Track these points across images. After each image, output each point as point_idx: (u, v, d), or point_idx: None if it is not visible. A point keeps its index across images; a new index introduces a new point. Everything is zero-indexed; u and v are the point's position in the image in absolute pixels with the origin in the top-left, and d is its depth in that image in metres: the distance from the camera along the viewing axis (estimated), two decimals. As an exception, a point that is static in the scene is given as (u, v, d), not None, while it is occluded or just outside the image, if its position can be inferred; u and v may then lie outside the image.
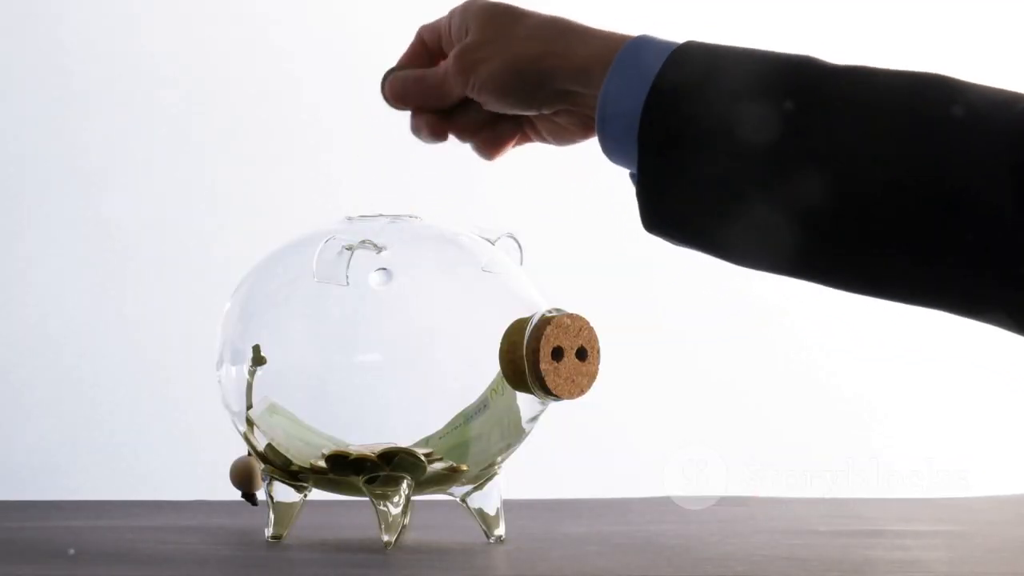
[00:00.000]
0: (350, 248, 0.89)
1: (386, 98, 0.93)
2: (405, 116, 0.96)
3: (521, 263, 0.95)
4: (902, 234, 0.78)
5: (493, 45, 0.88)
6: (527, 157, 0.97)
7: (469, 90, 0.89)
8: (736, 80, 0.82)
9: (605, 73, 0.84)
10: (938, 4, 2.04)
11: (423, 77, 0.92)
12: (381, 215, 0.94)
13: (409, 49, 0.95)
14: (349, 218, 0.95)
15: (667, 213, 0.84)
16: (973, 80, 0.80)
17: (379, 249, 0.90)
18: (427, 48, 0.94)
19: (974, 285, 0.78)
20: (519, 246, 0.95)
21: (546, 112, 0.89)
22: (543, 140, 0.93)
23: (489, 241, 0.94)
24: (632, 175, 0.85)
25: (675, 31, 0.87)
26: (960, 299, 0.79)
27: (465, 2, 0.91)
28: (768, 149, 0.80)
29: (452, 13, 0.92)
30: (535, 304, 0.90)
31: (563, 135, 0.92)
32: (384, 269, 0.90)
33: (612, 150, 0.85)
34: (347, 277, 0.89)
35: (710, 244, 0.84)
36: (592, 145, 0.88)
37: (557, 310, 0.88)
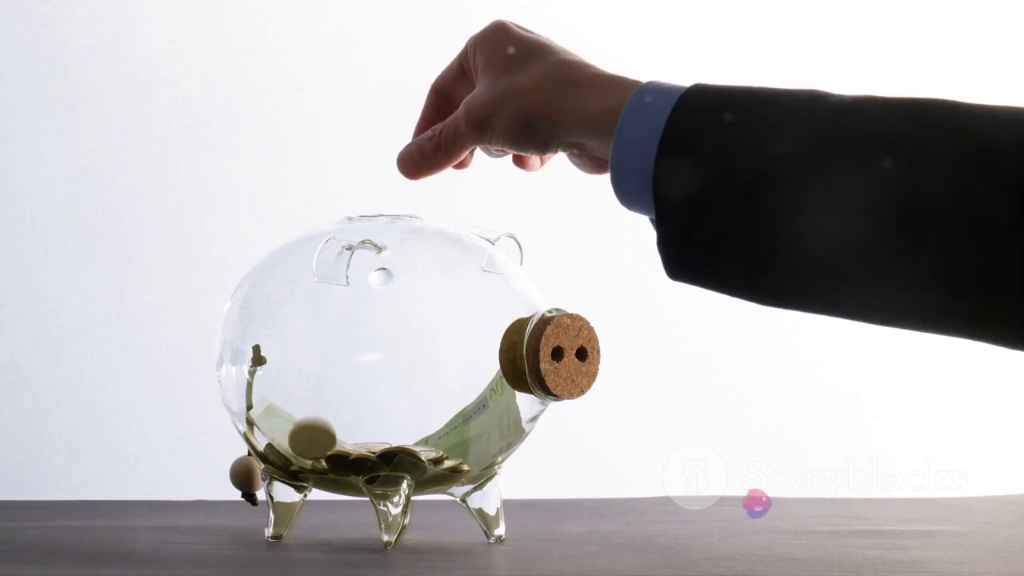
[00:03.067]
0: (350, 248, 0.89)
1: (403, 170, 0.94)
2: (404, 116, 0.96)
3: (521, 263, 0.95)
4: (917, 261, 0.77)
5: (502, 99, 0.88)
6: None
7: (485, 143, 0.89)
8: (744, 122, 0.81)
9: (614, 125, 0.84)
10: (939, 28, 2.04)
11: (436, 140, 0.92)
12: (381, 215, 0.94)
13: (425, 111, 0.95)
14: (349, 218, 0.95)
15: (690, 261, 0.83)
16: (978, 102, 0.80)
17: (379, 249, 0.90)
18: (443, 99, 0.94)
19: (991, 308, 0.77)
20: (519, 246, 0.95)
21: (562, 152, 0.89)
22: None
23: (489, 241, 0.94)
24: (652, 220, 0.85)
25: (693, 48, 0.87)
26: (978, 324, 0.79)
27: (475, 39, 0.91)
28: (783, 188, 0.80)
29: (464, 53, 0.92)
30: (535, 304, 0.90)
31: (579, 166, 0.92)
32: (384, 269, 0.90)
33: (629, 201, 0.85)
34: (347, 277, 0.89)
35: (736, 288, 0.84)
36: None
37: (557, 310, 0.88)
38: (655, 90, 0.84)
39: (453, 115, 0.91)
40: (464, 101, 0.90)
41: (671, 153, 0.82)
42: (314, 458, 0.90)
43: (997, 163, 0.75)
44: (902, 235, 0.77)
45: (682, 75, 0.86)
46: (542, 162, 0.95)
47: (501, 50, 0.90)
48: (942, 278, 0.77)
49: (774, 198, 0.80)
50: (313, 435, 0.95)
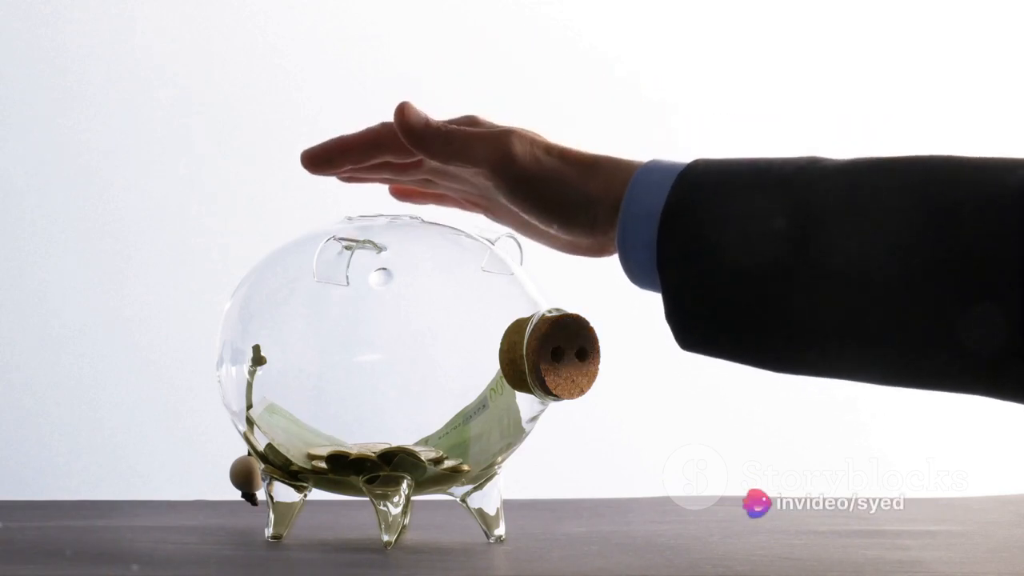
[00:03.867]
0: (350, 248, 0.89)
1: (403, 118, 0.93)
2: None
3: (521, 263, 0.95)
4: (928, 320, 0.77)
5: (531, 151, 0.89)
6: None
7: (494, 166, 0.90)
8: (744, 193, 0.82)
9: (620, 202, 0.86)
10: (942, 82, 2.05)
11: (449, 130, 0.92)
12: (381, 215, 0.94)
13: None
14: (349, 218, 0.95)
15: (699, 332, 0.85)
16: (976, 153, 0.80)
17: (379, 249, 0.90)
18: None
19: (1003, 363, 0.77)
20: (519, 246, 0.95)
21: (561, 234, 0.91)
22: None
23: (489, 241, 0.94)
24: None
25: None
26: (989, 379, 0.79)
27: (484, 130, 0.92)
28: (784, 256, 0.80)
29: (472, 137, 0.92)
30: (535, 304, 0.90)
31: (570, 248, 0.92)
32: (384, 269, 0.90)
33: (638, 277, 0.87)
34: (347, 277, 0.89)
35: (751, 358, 0.85)
36: (588, 142, 0.89)
37: (557, 310, 0.88)
38: (657, 167, 0.86)
39: (483, 132, 0.91)
40: (489, 126, 0.91)
41: (673, 227, 0.83)
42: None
43: (998, 207, 0.76)
44: (907, 292, 0.77)
45: (680, 73, 0.87)
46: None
47: (523, 131, 0.91)
48: (952, 333, 0.77)
49: (776, 266, 0.80)
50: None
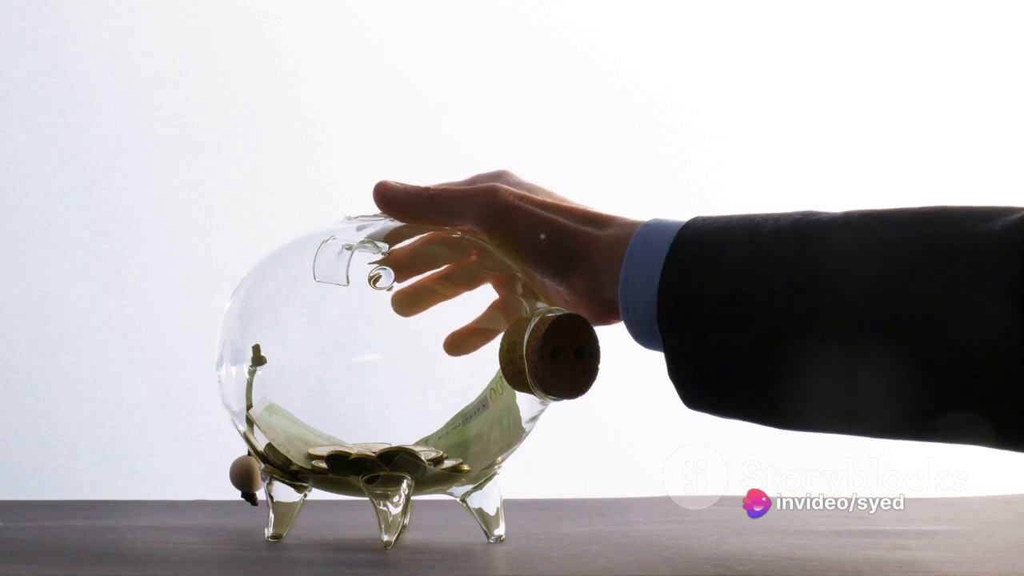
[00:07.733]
0: (350, 248, 0.89)
1: (382, 193, 0.93)
2: (404, 116, 0.96)
3: (521, 263, 0.94)
4: (924, 375, 0.78)
5: (519, 205, 0.90)
6: (526, 157, 0.97)
7: (481, 222, 0.90)
8: (740, 252, 0.83)
9: (623, 255, 0.86)
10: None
11: (432, 193, 0.92)
12: (381, 215, 0.94)
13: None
14: (349, 218, 0.95)
15: (702, 391, 0.85)
16: (967, 203, 0.81)
17: (379, 249, 0.90)
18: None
19: (995, 414, 0.78)
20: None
21: (561, 286, 0.90)
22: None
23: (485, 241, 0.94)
24: None
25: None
26: (983, 430, 0.80)
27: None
28: (783, 314, 0.80)
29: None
30: (535, 304, 0.90)
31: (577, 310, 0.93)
32: (385, 269, 0.90)
33: (642, 336, 0.87)
34: (347, 277, 0.89)
35: (750, 414, 0.86)
36: (586, 144, 0.89)
37: (557, 310, 0.88)
38: (657, 226, 0.86)
39: (469, 188, 0.91)
40: (491, 181, 0.91)
41: (672, 285, 0.84)
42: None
43: (981, 256, 0.76)
44: (899, 345, 0.78)
45: (680, 73, 0.87)
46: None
47: (530, 186, 0.92)
48: (947, 388, 0.78)
49: (775, 325, 0.81)
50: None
